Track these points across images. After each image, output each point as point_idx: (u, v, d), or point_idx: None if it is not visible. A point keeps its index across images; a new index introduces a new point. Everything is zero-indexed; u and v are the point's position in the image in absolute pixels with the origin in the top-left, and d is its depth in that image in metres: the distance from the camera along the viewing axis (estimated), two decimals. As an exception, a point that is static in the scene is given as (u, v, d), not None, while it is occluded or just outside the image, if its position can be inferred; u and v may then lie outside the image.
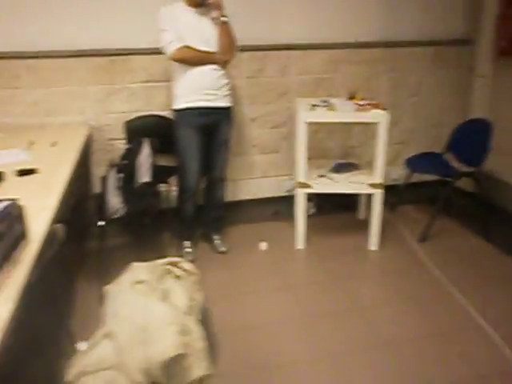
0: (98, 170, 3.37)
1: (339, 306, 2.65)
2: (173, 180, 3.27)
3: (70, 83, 3.27)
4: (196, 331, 1.17)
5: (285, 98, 3.64)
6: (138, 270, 1.36)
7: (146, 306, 1.18)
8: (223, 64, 2.83)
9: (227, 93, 2.91)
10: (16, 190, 2.07)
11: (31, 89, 3.22)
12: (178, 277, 1.37)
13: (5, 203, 1.49)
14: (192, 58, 2.74)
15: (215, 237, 3.26)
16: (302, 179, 3.15)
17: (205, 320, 1.32)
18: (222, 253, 3.18)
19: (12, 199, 1.55)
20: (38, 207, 1.86)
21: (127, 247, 3.24)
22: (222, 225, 3.37)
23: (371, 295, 2.81)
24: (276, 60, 3.54)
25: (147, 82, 3.37)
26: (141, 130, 3.27)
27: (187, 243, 3.15)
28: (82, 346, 1.28)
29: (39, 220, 1.75)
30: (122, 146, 3.39)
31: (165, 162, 3.20)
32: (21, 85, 3.21)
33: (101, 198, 2.69)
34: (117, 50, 3.24)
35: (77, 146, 2.80)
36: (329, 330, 2.45)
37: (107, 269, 2.82)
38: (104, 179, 2.78)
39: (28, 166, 2.34)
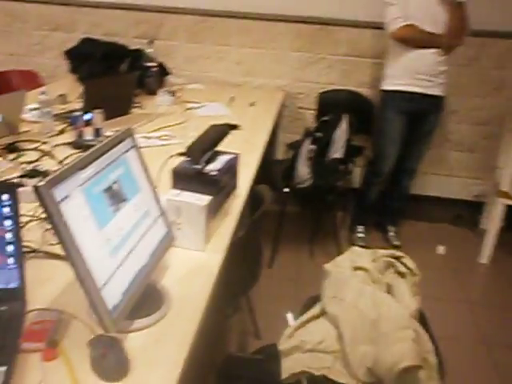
0: (283, 137, 3.39)
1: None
2: (358, 160, 3.14)
3: (274, 47, 3.29)
4: (427, 342, 1.05)
5: (499, 94, 3.20)
6: (359, 255, 1.27)
7: (376, 298, 1.08)
8: (448, 49, 2.55)
9: (443, 81, 2.64)
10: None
11: (238, 48, 3.32)
12: (400, 273, 1.25)
13: (229, 156, 1.50)
14: (415, 40, 2.52)
15: (390, 228, 3.07)
16: (505, 188, 2.76)
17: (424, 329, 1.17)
18: (396, 247, 2.98)
19: (234, 153, 1.55)
20: (242, 164, 1.88)
21: (301, 218, 3.23)
22: (399, 217, 3.16)
23: None
24: (495, 49, 3.10)
25: (348, 55, 3.23)
26: (334, 103, 3.17)
27: (361, 228, 3.02)
28: (289, 316, 1.24)
29: (243, 176, 1.75)
30: (311, 116, 3.34)
31: (354, 140, 3.07)
32: (230, 43, 3.32)
33: (288, 165, 2.67)
34: (326, 19, 3.15)
35: (273, 110, 2.81)
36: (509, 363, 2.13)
37: (281, 234, 2.85)
38: (293, 147, 2.76)
39: (232, 122, 2.40)
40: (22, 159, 1.79)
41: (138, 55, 2.99)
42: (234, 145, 2.14)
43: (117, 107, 2.38)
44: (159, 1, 3.27)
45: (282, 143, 3.39)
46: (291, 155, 2.71)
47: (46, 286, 1.10)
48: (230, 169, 1.48)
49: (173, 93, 2.79)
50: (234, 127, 2.36)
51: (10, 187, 1.00)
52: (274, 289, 2.49)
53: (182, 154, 1.34)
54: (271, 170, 2.79)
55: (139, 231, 1.03)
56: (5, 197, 0.98)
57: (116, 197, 0.97)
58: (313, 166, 2.55)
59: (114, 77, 2.50)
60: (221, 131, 1.43)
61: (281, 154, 3.43)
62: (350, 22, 3.13)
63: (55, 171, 0.82)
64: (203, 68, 3.42)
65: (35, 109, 2.24)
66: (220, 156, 1.42)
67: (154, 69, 2.88)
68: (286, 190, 2.58)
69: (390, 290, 1.19)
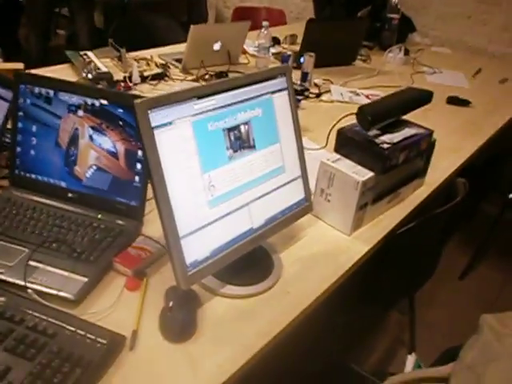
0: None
1: None
2: None
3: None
4: None
5: None
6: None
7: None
8: None
9: None
10: (439, 118, 1.75)
11: (509, 9, 2.68)
12: None
13: (418, 130, 1.16)
14: None
15: None
16: None
17: None
18: None
19: (426, 128, 1.20)
20: (449, 148, 1.49)
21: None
22: None
23: None
24: None
25: None
26: None
27: None
28: (409, 359, 0.94)
29: (442, 162, 1.39)
30: None
31: None
32: (501, 1, 2.70)
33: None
34: None
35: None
36: None
37: (489, 244, 2.32)
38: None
39: (461, 96, 1.95)
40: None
41: (382, 3, 2.69)
42: (453, 122, 1.75)
43: (337, 55, 2.19)
44: None
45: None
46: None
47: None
48: (415, 147, 1.16)
49: (407, 51, 2.44)
50: (461, 102, 1.92)
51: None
52: (455, 307, 2.06)
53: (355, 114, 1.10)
54: (500, 167, 2.24)
55: (261, 188, 0.87)
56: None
57: (240, 141, 0.82)
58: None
59: (341, 22, 2.29)
60: (415, 97, 1.12)
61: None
62: None
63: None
64: (458, 30, 2.90)
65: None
66: (407, 128, 1.12)
67: (395, 21, 2.55)
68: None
69: None
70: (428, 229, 1.21)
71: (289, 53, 1.97)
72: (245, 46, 2.18)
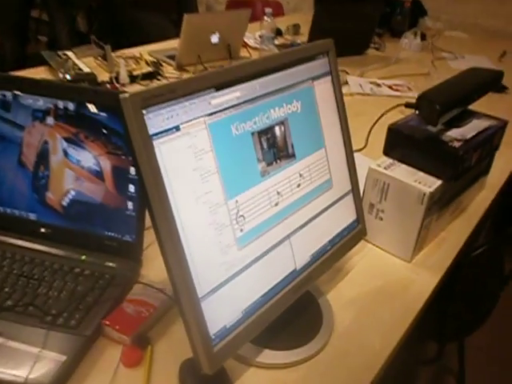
0: None
1: None
2: None
3: None
4: None
5: None
6: None
7: None
8: None
9: None
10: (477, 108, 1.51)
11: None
12: None
13: (488, 122, 0.92)
14: None
15: None
16: None
17: None
18: None
19: (499, 119, 0.96)
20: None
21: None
22: None
23: None
24: None
25: None
26: None
27: None
28: None
29: (500, 159, 1.14)
30: None
31: None
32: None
33: None
34: None
35: None
36: None
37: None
38: None
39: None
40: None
41: (391, -13, 2.45)
42: (493, 111, 1.51)
43: (348, 44, 1.94)
44: None
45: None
46: None
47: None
48: (488, 144, 0.91)
49: (423, 36, 2.20)
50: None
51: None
52: (506, 330, 1.81)
53: (410, 106, 0.86)
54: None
55: (304, 213, 0.62)
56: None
57: (275, 148, 0.57)
58: None
59: (352, 6, 2.05)
60: (487, 79, 0.88)
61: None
62: None
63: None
64: (473, 12, 2.68)
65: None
66: (475, 119, 0.87)
67: (407, 5, 2.31)
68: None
69: None
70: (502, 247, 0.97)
71: (299, 41, 1.73)
72: (244, 39, 1.93)
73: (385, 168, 0.80)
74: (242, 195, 0.53)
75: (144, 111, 0.43)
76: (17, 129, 0.74)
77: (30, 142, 0.74)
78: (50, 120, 0.72)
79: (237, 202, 0.53)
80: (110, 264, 0.73)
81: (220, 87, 0.50)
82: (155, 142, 0.44)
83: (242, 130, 0.53)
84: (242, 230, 0.53)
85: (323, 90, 0.64)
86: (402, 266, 0.82)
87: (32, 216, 0.77)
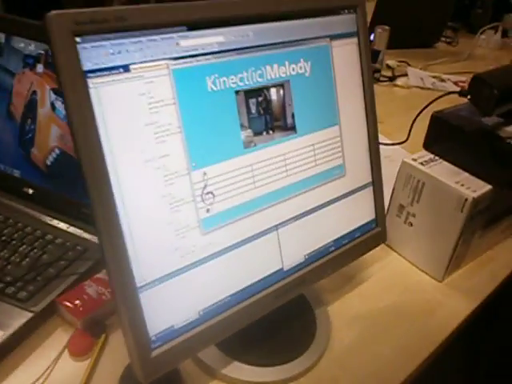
0: None
1: None
2: None
3: None
4: None
5: None
6: None
7: None
8: None
9: None
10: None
11: None
12: None
13: None
14: None
15: None
16: None
17: None
18: None
19: None
20: None
21: None
22: None
23: None
24: None
25: None
26: None
27: None
28: None
29: None
30: None
31: None
32: None
33: None
34: None
35: None
36: None
37: None
38: None
39: None
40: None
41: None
42: None
43: (416, 34, 1.77)
44: None
45: None
46: None
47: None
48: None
49: (505, 33, 1.97)
50: None
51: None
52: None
53: (464, 94, 0.71)
54: None
55: (301, 201, 0.50)
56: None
57: (268, 115, 0.46)
58: None
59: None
60: None
61: None
62: None
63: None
64: None
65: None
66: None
67: (491, -2, 2.08)
68: None
69: None
70: None
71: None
72: None
73: (421, 163, 0.66)
74: (213, 167, 0.42)
75: (78, 39, 0.34)
76: (8, 75, 0.67)
77: (19, 91, 0.67)
78: (39, 68, 0.65)
79: (205, 174, 0.42)
80: (87, 236, 0.65)
81: (195, 26, 0.39)
82: (90, 81, 0.35)
83: (221, 85, 0.42)
84: (208, 211, 0.43)
85: (344, 53, 0.52)
86: (430, 284, 0.68)
87: (16, 173, 0.70)
